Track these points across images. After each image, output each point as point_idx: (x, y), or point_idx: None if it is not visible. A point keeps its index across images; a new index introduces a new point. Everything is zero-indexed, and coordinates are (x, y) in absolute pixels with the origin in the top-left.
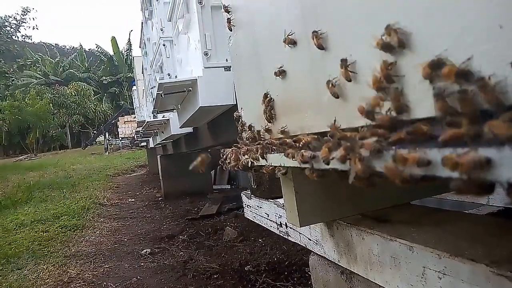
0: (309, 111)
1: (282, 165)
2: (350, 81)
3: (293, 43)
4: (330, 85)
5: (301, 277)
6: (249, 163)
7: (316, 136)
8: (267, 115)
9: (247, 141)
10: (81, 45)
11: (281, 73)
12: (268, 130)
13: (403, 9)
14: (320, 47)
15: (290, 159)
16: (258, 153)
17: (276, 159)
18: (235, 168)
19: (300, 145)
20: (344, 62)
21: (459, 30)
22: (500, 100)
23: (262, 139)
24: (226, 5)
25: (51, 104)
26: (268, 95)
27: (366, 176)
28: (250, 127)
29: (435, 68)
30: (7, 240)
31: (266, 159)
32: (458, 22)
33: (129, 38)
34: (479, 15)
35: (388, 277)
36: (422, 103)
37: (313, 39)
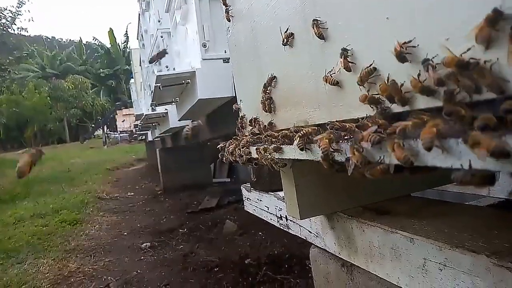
0: (308, 103)
1: (296, 158)
2: (350, 71)
3: (290, 36)
4: (327, 76)
5: (301, 270)
6: (249, 155)
7: (316, 128)
8: (266, 107)
9: (246, 134)
10: (80, 39)
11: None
12: (269, 123)
13: (403, 4)
14: (321, 36)
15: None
16: (266, 146)
17: (289, 152)
18: (234, 160)
19: (300, 135)
20: (344, 52)
21: (458, 24)
22: (498, 84)
23: (263, 131)
24: None
25: (48, 98)
26: (269, 86)
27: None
28: (251, 121)
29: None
30: (7, 234)
31: (278, 152)
32: (457, 16)
33: (126, 31)
34: (478, 9)
35: (389, 269)
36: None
37: (313, 27)
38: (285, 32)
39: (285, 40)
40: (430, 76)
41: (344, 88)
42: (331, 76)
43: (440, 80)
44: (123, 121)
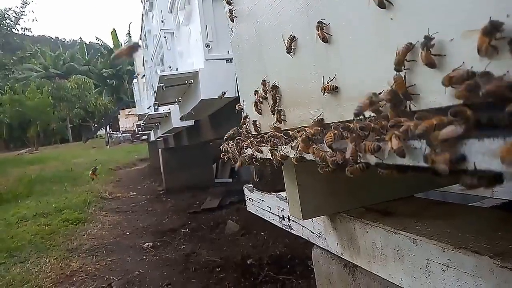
0: (312, 103)
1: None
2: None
3: (292, 39)
4: (326, 85)
5: (303, 270)
6: (252, 156)
7: (320, 128)
8: (270, 106)
9: (249, 134)
10: (81, 38)
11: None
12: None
13: (406, 5)
14: (324, 40)
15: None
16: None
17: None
18: (236, 162)
19: (304, 136)
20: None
21: (462, 25)
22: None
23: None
24: None
25: (50, 98)
26: (276, 86)
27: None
28: (254, 121)
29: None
30: (10, 233)
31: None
32: (461, 16)
33: (128, 31)
34: (480, 8)
35: (392, 269)
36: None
37: (317, 29)
38: (288, 38)
39: (289, 47)
40: (423, 56)
41: (347, 89)
42: (328, 83)
43: (432, 63)
44: (125, 116)
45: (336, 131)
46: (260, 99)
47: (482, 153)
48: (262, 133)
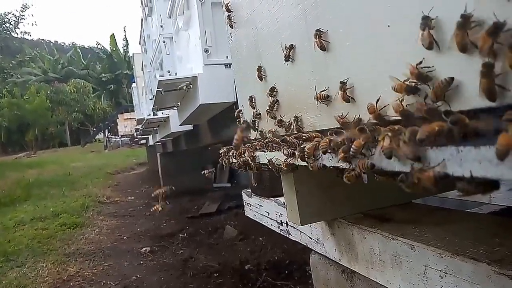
0: (310, 109)
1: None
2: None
3: (291, 48)
4: (318, 94)
5: (301, 276)
6: (250, 161)
7: (319, 134)
8: (269, 114)
9: (247, 139)
10: (74, 43)
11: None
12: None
13: (403, 12)
14: (322, 48)
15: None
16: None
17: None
18: (235, 166)
19: (302, 141)
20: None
21: None
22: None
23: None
24: (227, 3)
25: (48, 101)
26: (275, 89)
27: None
28: (254, 123)
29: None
30: (7, 237)
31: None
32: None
33: (124, 35)
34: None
35: (389, 276)
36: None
37: (315, 38)
38: (286, 47)
39: (287, 55)
40: (424, 36)
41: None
42: (321, 93)
43: (431, 44)
44: (124, 120)
45: (332, 138)
46: (258, 104)
47: (479, 161)
48: (260, 139)
